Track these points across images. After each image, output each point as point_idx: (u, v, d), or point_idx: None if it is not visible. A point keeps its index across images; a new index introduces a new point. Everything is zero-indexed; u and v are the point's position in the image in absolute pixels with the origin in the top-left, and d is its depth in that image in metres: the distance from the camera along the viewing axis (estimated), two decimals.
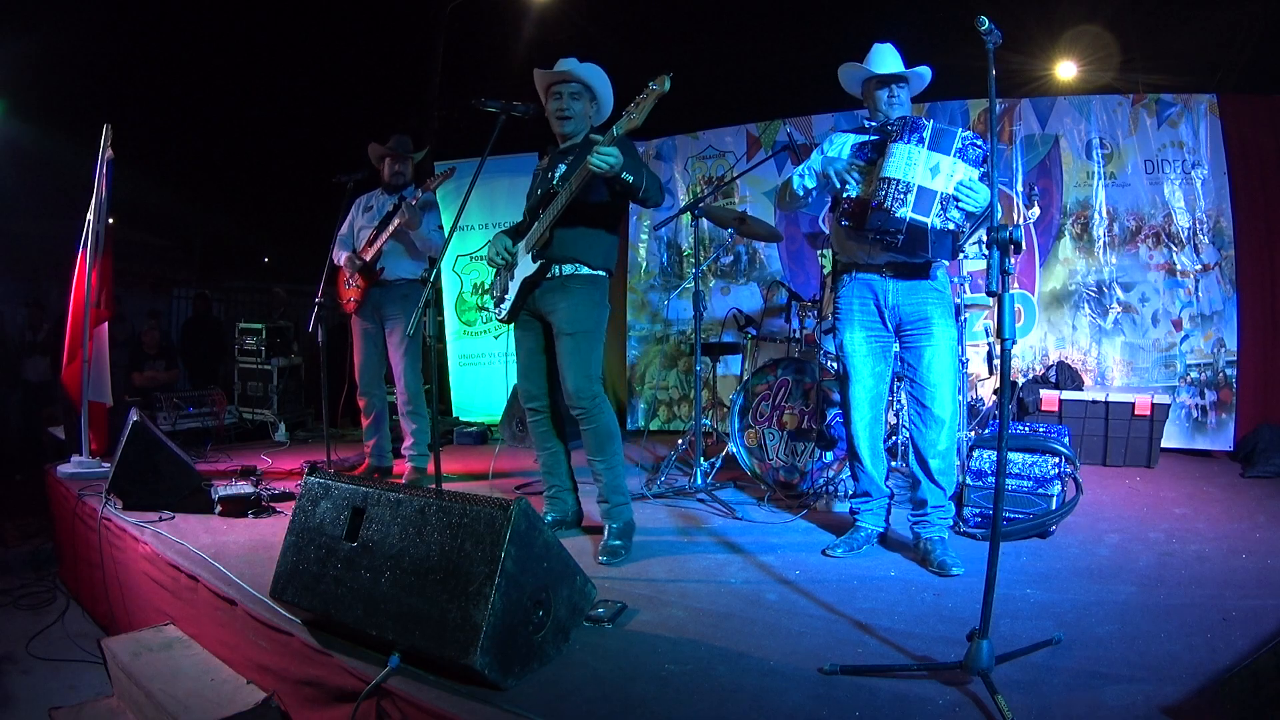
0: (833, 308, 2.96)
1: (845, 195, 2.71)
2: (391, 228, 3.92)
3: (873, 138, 2.74)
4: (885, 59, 2.81)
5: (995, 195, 2.04)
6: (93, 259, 4.35)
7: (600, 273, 2.94)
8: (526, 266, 2.93)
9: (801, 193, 2.86)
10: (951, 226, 2.56)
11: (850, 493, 3.46)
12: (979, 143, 2.55)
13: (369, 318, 4.10)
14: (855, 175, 2.71)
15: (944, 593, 2.43)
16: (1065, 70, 7.11)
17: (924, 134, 2.54)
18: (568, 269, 2.89)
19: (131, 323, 8.06)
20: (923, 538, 2.74)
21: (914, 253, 2.68)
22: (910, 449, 2.85)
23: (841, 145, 2.86)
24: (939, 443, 2.73)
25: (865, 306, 2.81)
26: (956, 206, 2.51)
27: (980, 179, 2.54)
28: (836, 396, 3.69)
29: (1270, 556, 2.70)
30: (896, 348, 2.85)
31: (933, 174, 2.52)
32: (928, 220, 2.51)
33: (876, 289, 2.78)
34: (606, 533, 2.89)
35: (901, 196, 2.51)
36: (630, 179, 2.66)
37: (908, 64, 2.80)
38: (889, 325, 2.80)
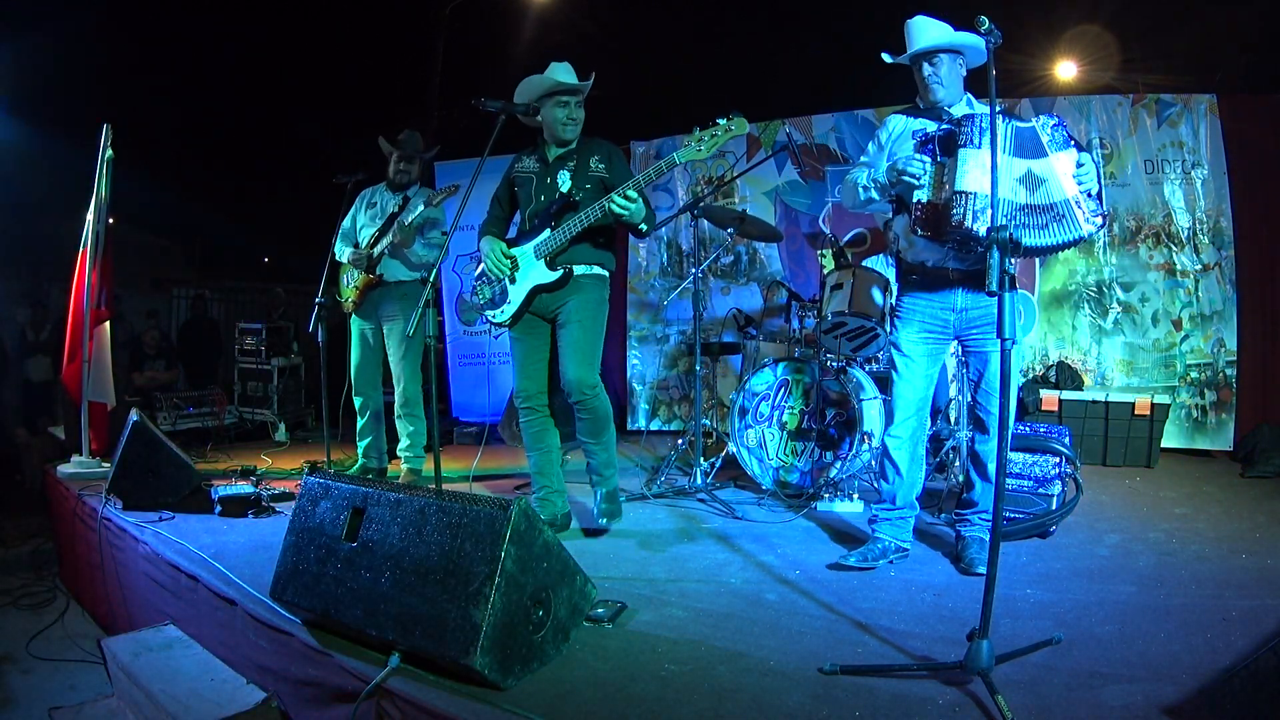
0: (893, 306, 2.79)
1: (915, 200, 2.50)
2: (388, 240, 3.94)
3: (936, 128, 2.51)
4: (919, 33, 2.59)
5: (996, 195, 2.04)
6: (93, 259, 4.35)
7: (607, 273, 3.10)
8: (543, 274, 2.98)
9: (866, 200, 2.73)
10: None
11: (854, 492, 3.45)
12: (1057, 123, 2.38)
13: (368, 318, 4.10)
14: (921, 181, 2.48)
15: (944, 593, 2.43)
16: (1065, 70, 7.11)
17: (998, 136, 2.28)
18: (580, 269, 3.01)
19: (131, 323, 8.06)
20: (964, 536, 2.74)
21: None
22: (964, 452, 2.79)
23: (902, 135, 2.70)
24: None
25: (931, 310, 2.67)
26: (1089, 197, 2.36)
27: (1075, 148, 2.36)
28: (836, 396, 3.70)
29: (1270, 556, 2.70)
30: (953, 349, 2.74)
31: (1025, 184, 2.33)
32: (1017, 240, 2.31)
33: (946, 294, 2.65)
34: (600, 498, 3.15)
35: (980, 213, 2.29)
36: (645, 229, 2.94)
37: (956, 29, 2.58)
38: (952, 329, 2.68)
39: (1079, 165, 2.37)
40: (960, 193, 2.33)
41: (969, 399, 2.82)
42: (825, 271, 4.39)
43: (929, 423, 2.98)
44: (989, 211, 2.27)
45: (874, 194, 2.70)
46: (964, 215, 2.32)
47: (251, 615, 2.27)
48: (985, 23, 1.94)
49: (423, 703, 1.74)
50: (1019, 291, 5.09)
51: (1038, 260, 5.14)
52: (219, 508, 3.36)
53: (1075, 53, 7.07)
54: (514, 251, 3.04)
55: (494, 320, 3.11)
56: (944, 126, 2.49)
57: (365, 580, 1.99)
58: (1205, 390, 4.81)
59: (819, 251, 4.89)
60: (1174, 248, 4.88)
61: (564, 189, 2.98)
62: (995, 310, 2.57)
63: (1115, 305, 5.00)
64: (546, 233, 2.95)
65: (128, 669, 2.43)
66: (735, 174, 5.74)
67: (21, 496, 5.32)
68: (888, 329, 3.84)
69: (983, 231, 2.31)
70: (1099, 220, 2.38)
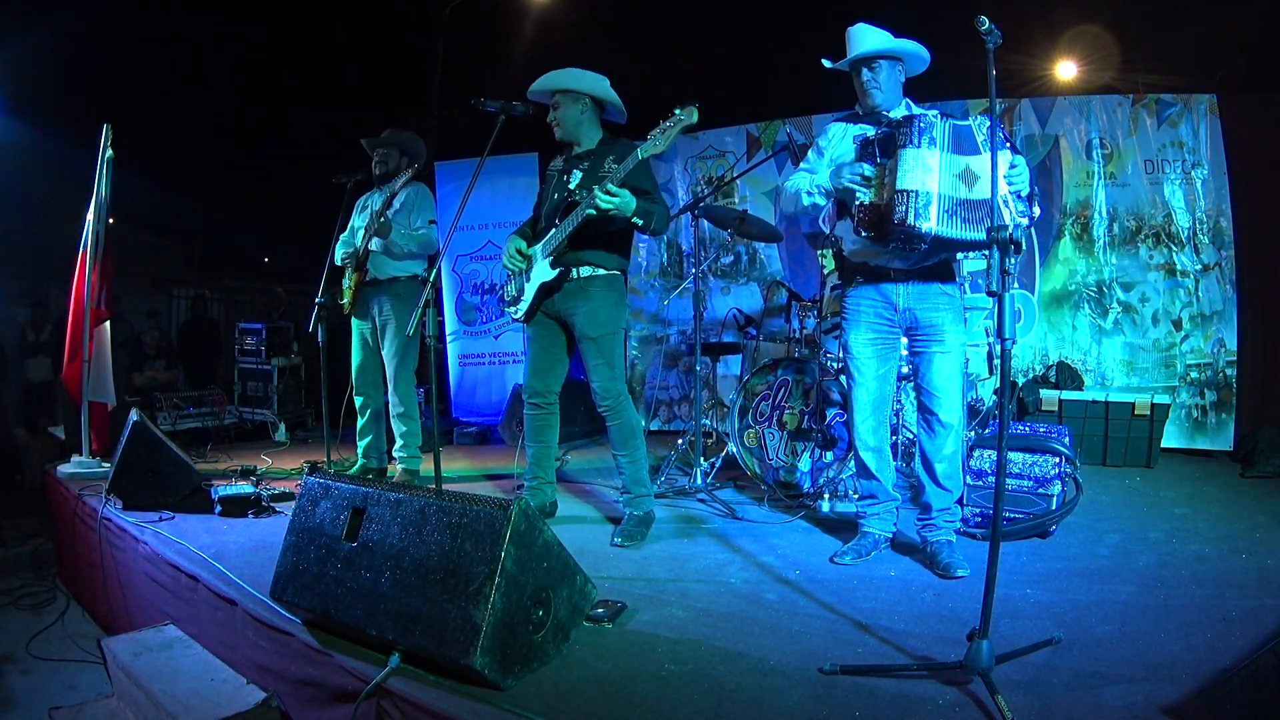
0: (839, 307, 2.91)
1: (858, 202, 2.55)
2: (370, 235, 3.93)
3: (876, 132, 2.56)
4: (859, 40, 2.66)
5: (997, 192, 2.04)
6: (93, 259, 4.35)
7: (616, 272, 3.07)
8: (545, 272, 3.00)
9: (811, 207, 2.78)
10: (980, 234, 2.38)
11: (852, 492, 3.46)
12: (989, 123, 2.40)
13: (364, 318, 4.10)
14: (864, 184, 2.53)
15: (944, 593, 2.43)
16: (1065, 70, 7.10)
17: (935, 134, 2.37)
18: (586, 271, 3.00)
19: (131, 323, 8.06)
20: (930, 541, 2.74)
21: (930, 256, 2.61)
22: (917, 454, 2.81)
23: (841, 141, 2.76)
24: (945, 448, 2.69)
25: (875, 308, 2.73)
26: (1018, 198, 2.41)
27: (1010, 149, 2.43)
28: (836, 396, 3.70)
29: (1270, 556, 2.70)
30: (903, 351, 2.82)
31: (963, 180, 2.37)
32: (959, 235, 2.38)
33: (888, 291, 2.70)
34: (626, 519, 3.10)
35: (923, 209, 2.35)
36: (640, 222, 2.84)
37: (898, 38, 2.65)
38: (899, 326, 2.73)
39: (1011, 166, 2.44)
40: (902, 191, 2.39)
41: (915, 401, 2.84)
42: (825, 272, 4.39)
43: (889, 419, 3.02)
44: (931, 208, 2.35)
45: (819, 199, 2.75)
46: (906, 213, 2.37)
47: (251, 615, 2.27)
48: (985, 23, 1.94)
49: (423, 703, 1.74)
50: (1018, 290, 5.10)
51: (1038, 260, 5.16)
52: (219, 508, 3.36)
53: (1075, 53, 7.05)
54: (530, 250, 3.08)
55: (514, 316, 3.18)
56: (883, 129, 2.55)
57: (365, 580, 1.99)
58: (1205, 390, 4.81)
59: (819, 251, 4.89)
60: (1174, 248, 4.89)
61: (571, 188, 2.98)
62: (936, 314, 2.67)
63: (1115, 305, 5.01)
64: (553, 230, 2.97)
65: (128, 669, 2.43)
66: (735, 174, 5.74)
67: (21, 496, 5.33)
68: None
69: (925, 229, 2.37)
70: (1024, 221, 2.45)
